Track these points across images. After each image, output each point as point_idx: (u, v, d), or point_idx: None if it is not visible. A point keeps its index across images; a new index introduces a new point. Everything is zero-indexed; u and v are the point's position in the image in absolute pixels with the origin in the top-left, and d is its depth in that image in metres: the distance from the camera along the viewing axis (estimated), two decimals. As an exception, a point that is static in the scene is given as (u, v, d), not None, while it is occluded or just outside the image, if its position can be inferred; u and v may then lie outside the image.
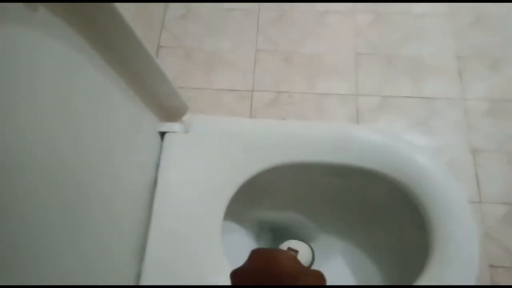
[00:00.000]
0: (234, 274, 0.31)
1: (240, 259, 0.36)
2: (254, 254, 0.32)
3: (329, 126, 0.61)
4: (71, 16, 0.39)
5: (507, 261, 0.89)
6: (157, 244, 0.53)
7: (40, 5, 0.35)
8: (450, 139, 1.00)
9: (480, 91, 1.05)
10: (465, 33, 1.11)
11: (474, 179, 0.96)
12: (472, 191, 0.95)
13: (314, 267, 0.67)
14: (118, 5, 0.41)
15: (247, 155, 0.60)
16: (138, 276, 0.52)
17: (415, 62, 1.08)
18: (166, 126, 0.60)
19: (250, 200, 0.68)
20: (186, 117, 0.63)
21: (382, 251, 0.67)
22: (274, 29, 1.12)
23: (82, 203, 0.43)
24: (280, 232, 0.76)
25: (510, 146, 0.99)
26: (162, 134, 0.60)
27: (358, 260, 0.68)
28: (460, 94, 1.04)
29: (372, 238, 0.68)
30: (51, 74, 0.38)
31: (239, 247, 0.70)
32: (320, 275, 0.30)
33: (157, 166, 0.58)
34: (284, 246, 0.60)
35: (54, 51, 0.38)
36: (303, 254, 0.61)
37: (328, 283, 0.44)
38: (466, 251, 0.54)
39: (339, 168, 0.59)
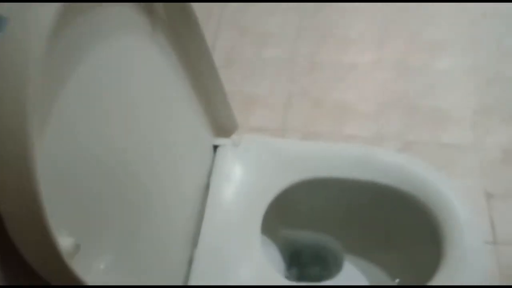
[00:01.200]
0: None
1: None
2: None
3: (356, 146, 0.72)
4: (175, 38, 0.52)
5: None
6: (209, 235, 0.62)
7: (159, 26, 0.49)
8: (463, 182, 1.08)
9: (497, 141, 1.13)
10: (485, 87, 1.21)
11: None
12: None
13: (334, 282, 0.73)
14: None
15: (283, 169, 0.70)
16: (191, 260, 0.61)
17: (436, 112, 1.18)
18: (219, 141, 0.72)
19: (282, 215, 0.77)
20: (235, 136, 0.74)
21: (401, 269, 0.73)
22: (307, 77, 1.27)
23: (146, 202, 0.52)
24: (308, 255, 0.83)
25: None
26: (215, 147, 0.72)
27: (380, 278, 0.75)
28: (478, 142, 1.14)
29: (393, 257, 0.75)
30: (153, 83, 0.51)
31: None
32: None
33: (209, 174, 0.69)
34: None
35: (155, 60, 0.51)
36: None
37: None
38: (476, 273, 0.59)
39: (362, 183, 0.69)
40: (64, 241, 0.32)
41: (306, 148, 0.74)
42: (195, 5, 0.52)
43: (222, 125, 0.72)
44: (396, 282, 0.72)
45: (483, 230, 1.00)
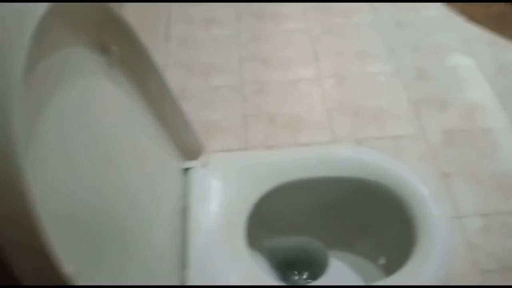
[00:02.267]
0: None
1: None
2: None
3: (317, 148, 0.76)
4: (131, 72, 0.55)
5: (493, 264, 1.00)
6: (197, 254, 0.63)
7: (113, 63, 0.51)
8: (418, 168, 1.17)
9: (436, 126, 1.25)
10: (412, 84, 1.36)
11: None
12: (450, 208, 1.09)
13: (328, 278, 0.76)
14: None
15: (254, 180, 0.73)
16: (183, 282, 0.61)
17: (377, 110, 1.29)
18: (189, 164, 0.73)
19: (261, 226, 0.79)
20: (202, 157, 0.77)
21: (381, 254, 0.77)
22: (257, 98, 1.33)
23: (128, 230, 0.53)
24: (294, 260, 0.85)
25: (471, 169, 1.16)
26: (186, 170, 0.74)
27: (366, 268, 0.78)
28: (420, 130, 1.24)
29: (372, 244, 0.79)
30: (116, 117, 0.53)
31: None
32: None
33: (183, 196, 0.70)
34: None
35: (118, 98, 0.54)
36: None
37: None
38: (443, 245, 0.65)
39: (329, 180, 0.73)
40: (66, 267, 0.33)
41: (271, 157, 0.78)
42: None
43: (189, 149, 0.75)
44: (380, 263, 0.76)
45: (446, 206, 1.08)
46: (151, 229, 0.60)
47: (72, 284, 0.32)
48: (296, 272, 0.85)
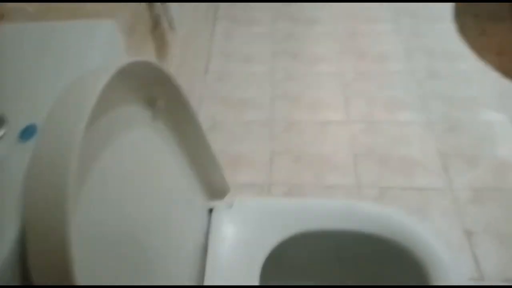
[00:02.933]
0: None
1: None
2: None
3: (339, 201, 0.78)
4: (175, 124, 0.60)
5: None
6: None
7: (159, 115, 0.56)
8: (442, 224, 1.15)
9: (464, 181, 1.24)
10: (442, 137, 1.35)
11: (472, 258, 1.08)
12: (472, 270, 1.07)
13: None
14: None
15: (275, 226, 0.75)
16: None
17: (404, 160, 1.29)
18: (214, 203, 0.77)
19: (278, 270, 0.81)
20: (228, 198, 0.80)
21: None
22: (285, 136, 1.36)
23: (149, 265, 0.56)
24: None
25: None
26: (211, 210, 0.77)
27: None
28: (447, 184, 1.23)
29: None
30: (156, 164, 0.57)
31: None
32: None
33: (207, 234, 0.73)
34: None
35: (159, 147, 0.58)
36: None
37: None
38: None
39: (349, 234, 0.74)
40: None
41: (294, 205, 0.80)
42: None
43: (216, 189, 0.78)
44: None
45: (466, 268, 1.06)
46: (174, 264, 0.63)
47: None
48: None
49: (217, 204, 0.77)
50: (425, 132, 1.37)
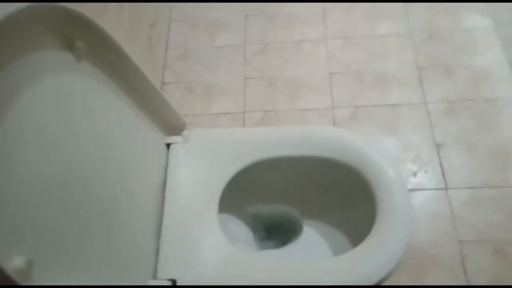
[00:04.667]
0: None
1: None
2: None
3: (295, 127, 0.79)
4: (104, 64, 0.59)
5: (472, 236, 1.03)
6: (170, 224, 0.70)
7: (82, 56, 0.55)
8: (415, 138, 1.17)
9: (438, 94, 1.22)
10: (421, 48, 1.30)
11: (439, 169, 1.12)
12: (439, 180, 1.11)
13: (300, 243, 0.83)
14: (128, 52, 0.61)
15: (233, 155, 0.78)
16: (157, 251, 0.69)
17: (380, 76, 1.27)
18: (170, 139, 0.79)
19: (242, 194, 0.86)
20: (185, 132, 0.81)
21: (350, 226, 0.82)
22: (259, 59, 1.33)
23: (114, 200, 0.60)
24: (272, 225, 0.93)
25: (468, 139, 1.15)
26: (168, 145, 0.79)
27: (334, 236, 0.84)
28: (421, 99, 1.22)
29: (342, 216, 0.84)
30: (92, 106, 0.58)
31: (239, 235, 0.87)
32: None
33: (166, 168, 0.77)
34: None
35: (92, 89, 0.58)
36: None
37: (309, 253, 0.60)
38: (402, 218, 0.69)
39: (305, 159, 0.77)
40: (14, 261, 0.39)
41: (251, 134, 0.81)
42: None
43: (172, 126, 0.79)
44: (349, 233, 0.82)
45: (434, 179, 1.10)
46: (135, 202, 0.67)
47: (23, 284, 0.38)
48: (274, 235, 0.92)
49: (174, 139, 0.79)
50: (404, 43, 1.31)
